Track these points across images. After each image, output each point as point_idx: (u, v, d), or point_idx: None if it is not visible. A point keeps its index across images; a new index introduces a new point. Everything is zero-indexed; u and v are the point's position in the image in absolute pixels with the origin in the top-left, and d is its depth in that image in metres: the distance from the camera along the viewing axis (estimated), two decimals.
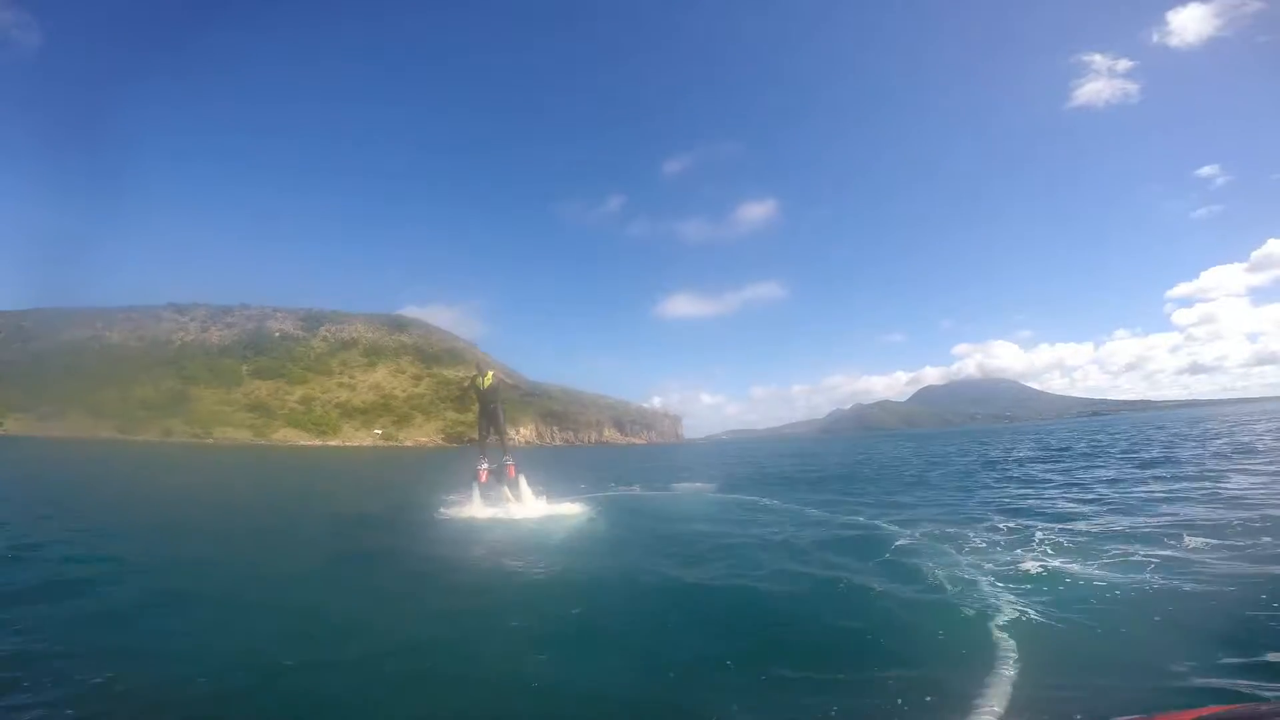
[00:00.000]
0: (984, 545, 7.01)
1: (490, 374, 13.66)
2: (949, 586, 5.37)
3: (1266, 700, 3.22)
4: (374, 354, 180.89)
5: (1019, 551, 6.58)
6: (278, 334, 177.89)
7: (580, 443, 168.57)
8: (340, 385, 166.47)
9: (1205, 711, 1.28)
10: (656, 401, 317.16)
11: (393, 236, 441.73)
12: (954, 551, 6.72)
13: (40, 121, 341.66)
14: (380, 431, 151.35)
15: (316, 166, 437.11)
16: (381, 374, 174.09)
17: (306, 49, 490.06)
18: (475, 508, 11.72)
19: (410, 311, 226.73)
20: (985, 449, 31.68)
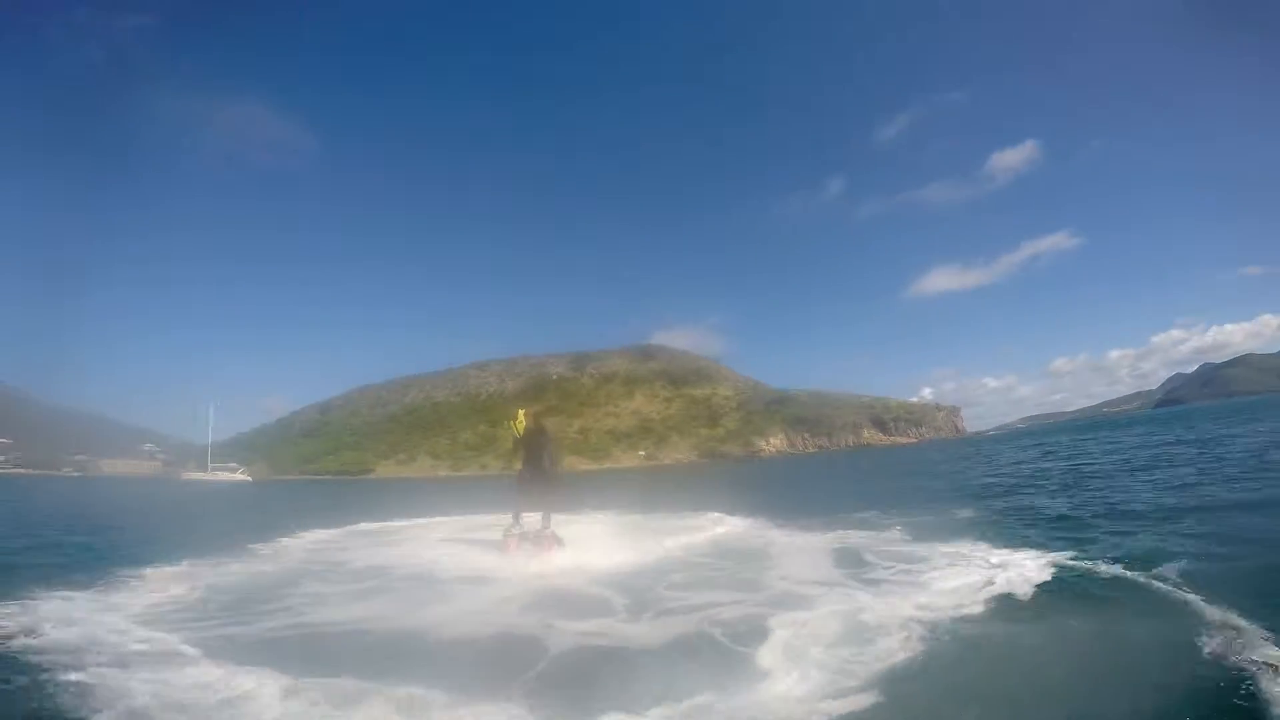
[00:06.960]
0: None
1: (520, 414, 10.57)
2: None
3: None
4: (630, 383, 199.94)
5: None
6: (555, 377, 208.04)
7: (835, 448, 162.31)
8: (607, 414, 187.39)
9: None
10: (926, 393, 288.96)
11: (636, 272, 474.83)
12: None
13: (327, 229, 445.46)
14: (644, 452, 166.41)
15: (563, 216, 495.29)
16: (639, 400, 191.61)
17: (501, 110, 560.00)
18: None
19: (659, 338, 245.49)
20: None
